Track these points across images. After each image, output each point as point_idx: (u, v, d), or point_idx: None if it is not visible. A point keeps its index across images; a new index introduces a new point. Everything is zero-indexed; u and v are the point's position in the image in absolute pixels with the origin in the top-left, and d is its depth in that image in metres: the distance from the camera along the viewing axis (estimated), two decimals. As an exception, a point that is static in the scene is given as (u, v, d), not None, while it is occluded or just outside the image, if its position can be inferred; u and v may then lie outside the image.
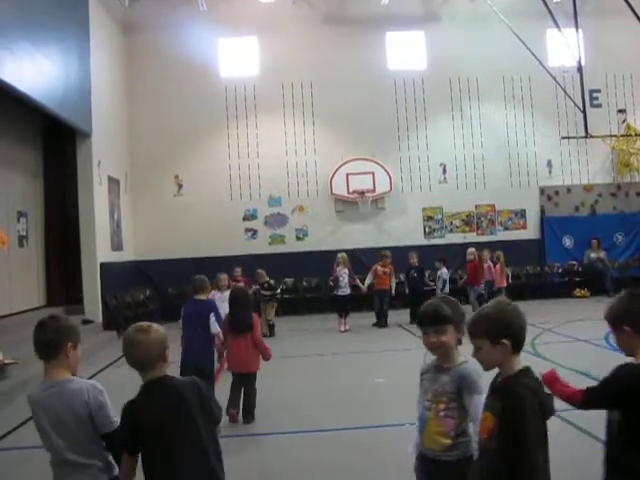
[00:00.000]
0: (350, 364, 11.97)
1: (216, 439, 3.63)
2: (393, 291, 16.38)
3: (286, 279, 19.38)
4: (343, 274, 15.87)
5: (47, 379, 3.67)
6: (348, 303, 16.22)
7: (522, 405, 3.02)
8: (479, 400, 3.46)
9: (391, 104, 20.71)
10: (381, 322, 16.17)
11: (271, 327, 15.35)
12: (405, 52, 21.01)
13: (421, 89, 20.83)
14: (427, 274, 18.03)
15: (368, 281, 16.51)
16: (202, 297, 8.54)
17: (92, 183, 16.39)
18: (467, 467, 3.44)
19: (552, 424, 3.17)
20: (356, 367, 11.63)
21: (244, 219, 20.40)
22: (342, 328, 15.81)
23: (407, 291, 17.46)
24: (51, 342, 3.64)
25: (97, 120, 16.71)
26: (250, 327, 8.10)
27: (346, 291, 15.96)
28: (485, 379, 3.47)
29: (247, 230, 20.38)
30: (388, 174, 20.25)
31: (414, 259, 17.14)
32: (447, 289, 16.13)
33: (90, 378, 4.55)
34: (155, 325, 3.69)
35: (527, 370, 3.19)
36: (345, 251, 18.86)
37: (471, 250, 16.85)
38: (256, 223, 20.44)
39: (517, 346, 3.20)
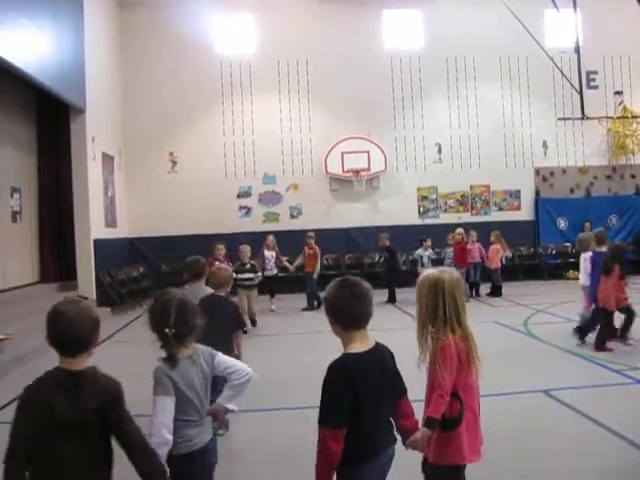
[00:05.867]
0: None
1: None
2: (315, 274, 15.98)
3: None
4: (270, 256, 15.87)
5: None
6: (275, 284, 16.39)
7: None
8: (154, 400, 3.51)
9: (387, 83, 20.64)
10: (308, 305, 15.95)
11: (254, 321, 13.77)
12: (402, 31, 20.91)
13: (417, 68, 20.75)
14: (406, 255, 18.07)
15: (297, 262, 16.42)
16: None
17: (86, 159, 16.30)
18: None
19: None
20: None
21: (238, 196, 20.37)
22: (272, 307, 15.98)
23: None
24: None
25: (91, 96, 16.60)
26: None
27: (272, 272, 15.98)
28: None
29: (241, 208, 20.36)
30: (383, 153, 20.20)
31: (385, 240, 17.06)
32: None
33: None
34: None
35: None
36: (340, 230, 18.97)
37: (459, 230, 16.81)
38: (250, 200, 20.42)
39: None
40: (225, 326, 6.30)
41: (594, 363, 9.08)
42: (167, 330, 3.53)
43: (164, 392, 3.48)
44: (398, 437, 3.59)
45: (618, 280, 9.80)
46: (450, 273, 3.84)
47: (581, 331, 10.34)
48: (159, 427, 3.43)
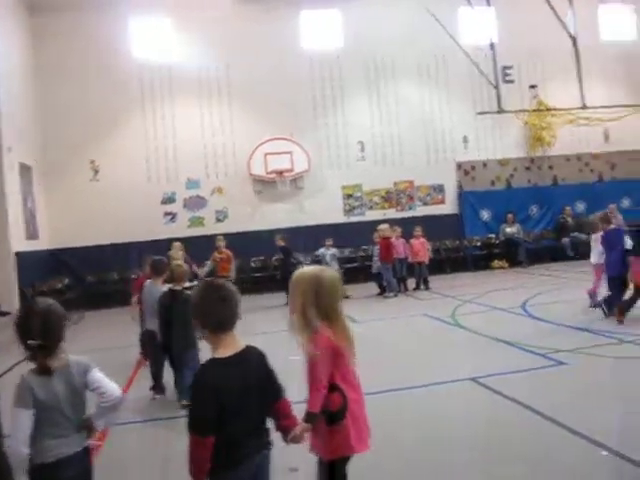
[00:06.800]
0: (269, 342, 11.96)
1: None
2: (232, 278, 15.58)
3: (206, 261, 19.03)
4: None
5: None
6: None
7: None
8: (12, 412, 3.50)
9: (308, 83, 20.72)
10: None
11: None
12: (321, 31, 21.02)
13: (338, 68, 20.89)
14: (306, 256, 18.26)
15: (206, 268, 15.89)
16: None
17: (2, 170, 15.87)
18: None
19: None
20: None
21: (163, 202, 20.13)
22: None
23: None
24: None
25: (6, 105, 16.17)
26: None
27: None
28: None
29: (166, 214, 20.13)
30: (306, 153, 20.26)
31: (280, 241, 16.90)
32: (339, 269, 16.36)
33: (8, 371, 4.44)
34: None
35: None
36: (266, 232, 18.86)
37: (382, 227, 16.94)
38: (175, 206, 20.20)
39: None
40: (185, 318, 6.34)
41: (519, 348, 9.27)
42: (32, 341, 3.47)
43: (21, 404, 3.42)
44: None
45: None
46: (329, 270, 3.96)
47: (608, 304, 10.90)
48: (13, 439, 3.42)
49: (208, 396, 3.18)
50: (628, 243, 10.80)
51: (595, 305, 11.45)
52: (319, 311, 3.76)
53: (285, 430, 3.61)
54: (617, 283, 10.78)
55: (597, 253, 11.51)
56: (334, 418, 3.74)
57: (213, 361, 3.32)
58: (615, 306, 10.62)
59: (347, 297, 15.77)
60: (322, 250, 17.20)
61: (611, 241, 10.91)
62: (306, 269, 3.94)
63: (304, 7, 20.73)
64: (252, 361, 3.43)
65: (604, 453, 5.33)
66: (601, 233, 11.27)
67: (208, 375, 3.26)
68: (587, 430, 5.79)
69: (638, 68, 22.76)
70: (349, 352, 3.84)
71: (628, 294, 10.65)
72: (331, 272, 3.93)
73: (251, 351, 3.47)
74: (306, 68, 20.68)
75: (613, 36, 22.96)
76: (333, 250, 17.27)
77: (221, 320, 3.36)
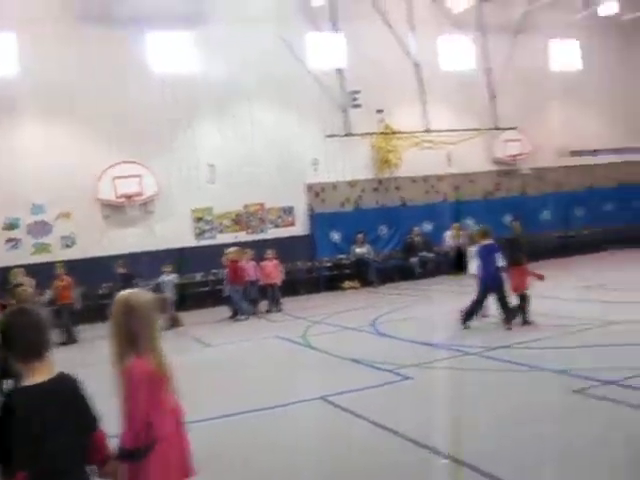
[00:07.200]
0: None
1: None
2: (77, 304, 15.73)
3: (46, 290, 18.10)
4: None
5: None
6: None
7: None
8: None
9: (158, 106, 20.07)
10: (68, 338, 15.32)
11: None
12: (173, 53, 20.60)
13: (190, 90, 20.46)
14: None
15: (47, 296, 15.10)
16: None
17: None
18: None
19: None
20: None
21: (4, 229, 19.08)
22: None
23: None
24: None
25: None
26: None
27: None
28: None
29: (8, 240, 19.08)
30: (156, 177, 19.80)
31: (120, 267, 16.59)
32: (173, 296, 16.32)
33: None
34: None
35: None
36: (116, 257, 18.11)
37: (230, 250, 16.96)
38: (19, 232, 19.18)
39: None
40: None
41: (368, 366, 9.40)
42: None
43: None
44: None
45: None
46: (144, 295, 3.80)
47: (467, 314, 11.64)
48: None
49: (16, 426, 2.94)
50: (500, 260, 11.39)
51: (482, 316, 12.12)
52: (132, 339, 3.58)
53: (99, 464, 3.34)
54: (486, 295, 11.53)
55: (475, 265, 12.11)
56: (135, 456, 3.50)
57: (22, 389, 3.09)
58: (475, 314, 11.60)
59: (180, 325, 15.61)
60: (163, 276, 16.82)
61: (485, 255, 11.54)
62: (123, 293, 3.75)
63: (153, 28, 20.25)
64: (65, 389, 3.19)
65: (444, 461, 5.48)
66: (477, 247, 11.97)
67: (15, 404, 3.02)
68: (429, 440, 5.93)
69: (477, 95, 23.89)
70: (166, 381, 3.65)
71: (515, 302, 11.41)
72: (145, 297, 3.76)
73: (64, 378, 3.22)
74: (157, 90, 20.11)
75: (454, 65, 23.99)
76: (172, 276, 16.93)
77: (30, 346, 3.14)
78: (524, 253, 11.70)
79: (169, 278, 16.78)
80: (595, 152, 25.95)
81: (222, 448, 6.48)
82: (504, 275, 11.37)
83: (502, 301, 11.38)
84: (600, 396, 6.82)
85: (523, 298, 11.33)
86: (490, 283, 11.38)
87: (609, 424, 6.02)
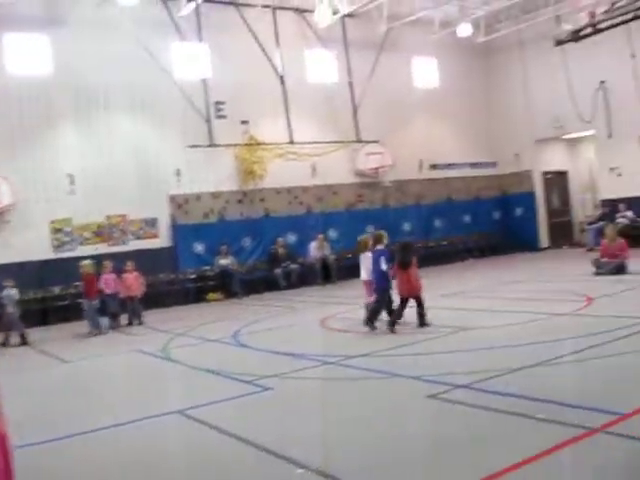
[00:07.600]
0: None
1: None
2: None
3: None
4: None
5: None
6: None
7: None
8: None
9: (12, 111, 19.25)
10: None
11: None
12: (27, 56, 19.67)
13: (46, 95, 19.67)
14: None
15: None
16: None
17: None
18: None
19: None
20: None
21: None
22: None
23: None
24: None
25: None
26: None
27: None
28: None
29: None
30: (11, 186, 18.89)
31: None
32: (15, 311, 15.63)
33: None
34: None
35: None
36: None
37: (84, 263, 16.45)
38: None
39: None
40: None
41: (228, 378, 9.35)
42: None
43: None
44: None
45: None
46: None
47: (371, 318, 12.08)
48: None
49: None
50: (383, 265, 11.93)
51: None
52: None
53: None
54: (383, 296, 12.01)
55: (366, 270, 12.56)
56: None
57: None
58: (379, 314, 12.05)
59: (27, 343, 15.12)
60: (5, 292, 15.96)
61: (376, 259, 12.08)
62: None
63: (7, 29, 19.34)
64: None
65: (300, 471, 5.47)
66: (369, 253, 12.48)
67: None
68: (285, 451, 5.92)
69: (340, 107, 24.34)
70: None
71: (397, 304, 11.86)
72: None
73: None
74: (10, 94, 19.23)
75: (320, 78, 24.31)
76: (13, 291, 15.96)
77: None
78: (413, 257, 12.14)
79: (11, 292, 15.85)
80: (451, 166, 27.11)
81: (64, 471, 6.27)
82: (391, 279, 12.03)
83: (387, 305, 12.03)
84: (453, 400, 7.05)
85: (418, 302, 11.82)
86: (383, 284, 11.98)
87: (459, 426, 6.22)
